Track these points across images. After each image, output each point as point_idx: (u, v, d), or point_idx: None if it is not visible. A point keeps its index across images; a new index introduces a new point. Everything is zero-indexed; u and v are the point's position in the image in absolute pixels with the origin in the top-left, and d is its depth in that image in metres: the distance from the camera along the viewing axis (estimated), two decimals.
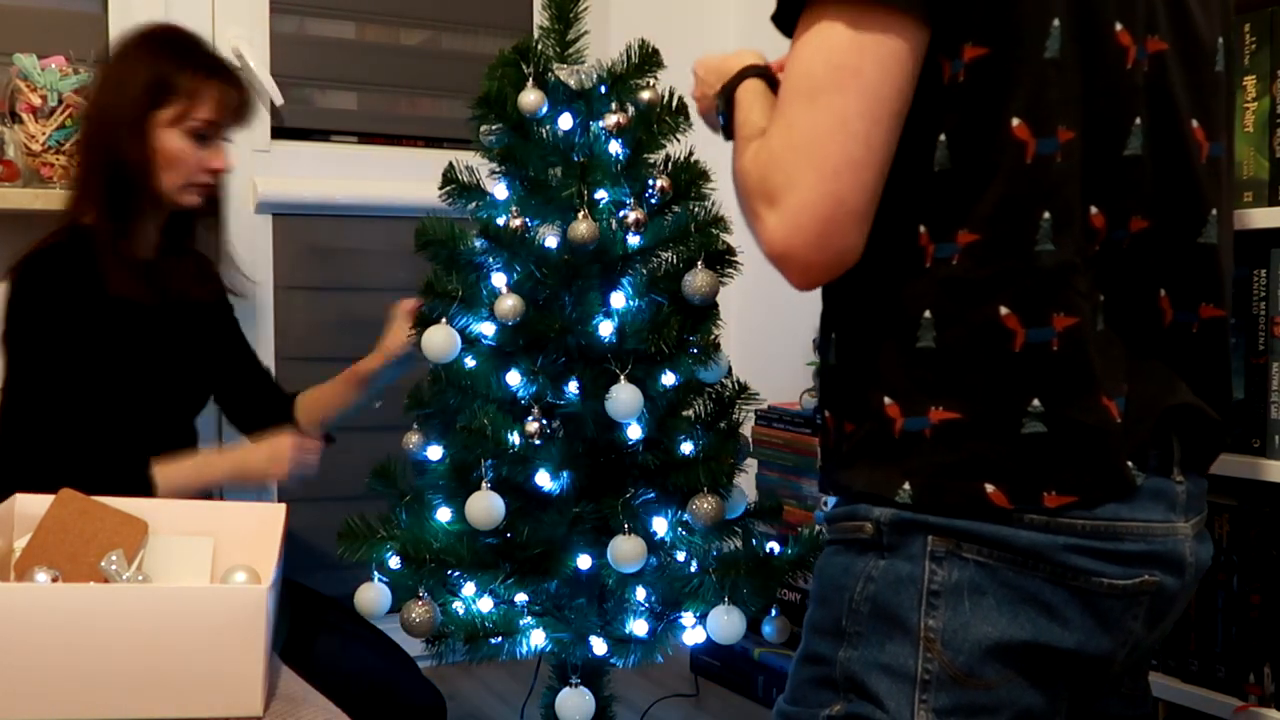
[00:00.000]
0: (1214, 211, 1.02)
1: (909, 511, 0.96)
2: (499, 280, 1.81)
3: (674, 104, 1.82)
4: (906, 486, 0.95)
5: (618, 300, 1.78)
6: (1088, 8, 0.95)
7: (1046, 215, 0.92)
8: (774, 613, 1.86)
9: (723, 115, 1.13)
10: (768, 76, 1.11)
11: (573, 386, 1.77)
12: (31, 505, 1.34)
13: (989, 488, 0.93)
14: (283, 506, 1.37)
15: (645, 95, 1.82)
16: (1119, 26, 0.96)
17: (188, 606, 1.13)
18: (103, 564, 1.23)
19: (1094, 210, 0.96)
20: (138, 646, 1.12)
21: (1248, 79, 1.52)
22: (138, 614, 1.12)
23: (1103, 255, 0.97)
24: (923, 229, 0.95)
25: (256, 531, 1.34)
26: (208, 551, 1.33)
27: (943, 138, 0.94)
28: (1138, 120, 0.97)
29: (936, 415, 0.94)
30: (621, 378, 1.70)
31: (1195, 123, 1.01)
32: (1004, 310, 0.93)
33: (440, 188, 1.88)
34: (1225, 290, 1.04)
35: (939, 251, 0.95)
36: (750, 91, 1.10)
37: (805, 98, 0.91)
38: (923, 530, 0.95)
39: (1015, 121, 0.92)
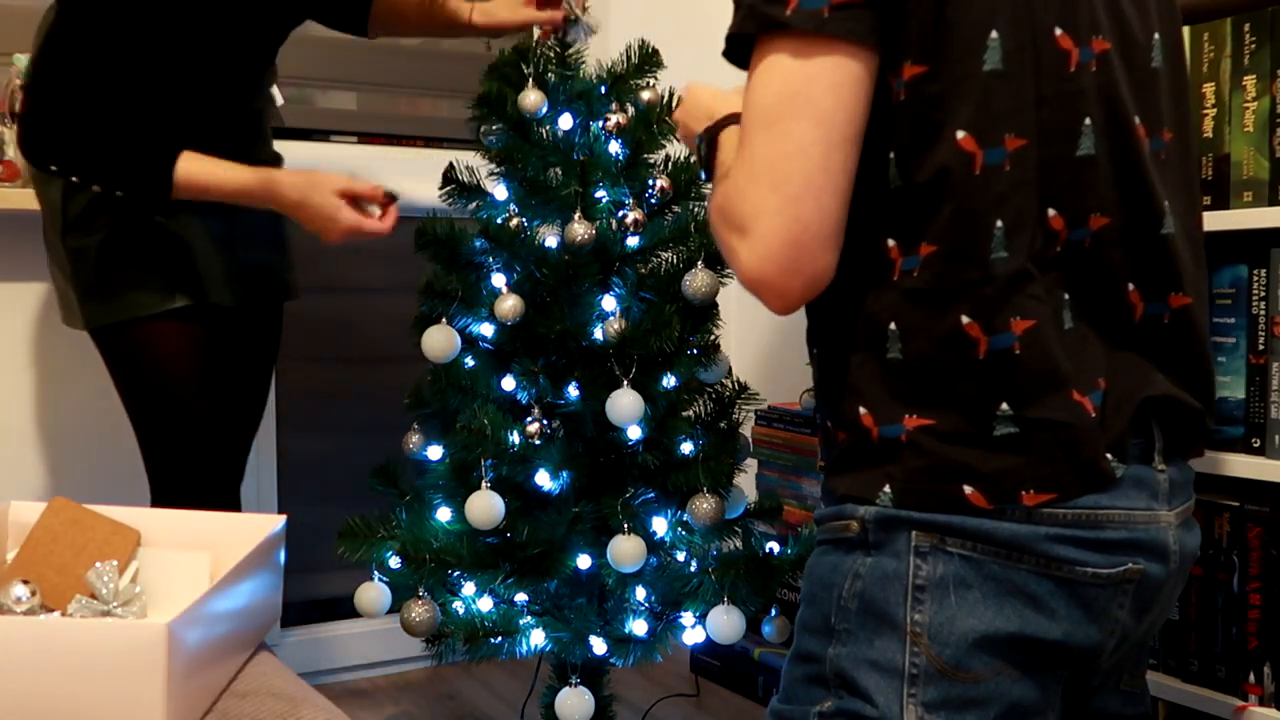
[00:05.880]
0: (1166, 204, 1.03)
1: (895, 508, 0.97)
2: (499, 280, 1.81)
3: (674, 104, 1.82)
4: (887, 489, 0.97)
5: (618, 301, 1.78)
6: (1027, 16, 0.96)
7: (999, 224, 0.94)
8: (774, 613, 1.86)
9: (704, 156, 1.16)
10: None
11: (572, 387, 1.77)
12: (24, 513, 1.33)
13: (967, 489, 0.95)
14: (282, 518, 1.36)
15: (645, 95, 1.82)
16: (1059, 31, 0.98)
17: (79, 642, 1.04)
18: (89, 575, 1.22)
19: (1051, 213, 0.97)
20: (24, 686, 1.04)
21: (1248, 79, 1.52)
22: (25, 650, 1.04)
23: (1065, 255, 0.98)
24: (890, 243, 0.97)
25: (254, 546, 1.30)
26: (204, 566, 1.31)
27: (892, 155, 0.96)
28: (1087, 121, 0.98)
29: (911, 422, 0.96)
30: (625, 382, 1.70)
31: (1137, 119, 1.03)
32: (965, 319, 0.95)
33: (440, 188, 1.88)
34: (1187, 278, 1.06)
35: (905, 264, 0.97)
36: (733, 136, 1.12)
37: (763, 128, 0.94)
38: (907, 526, 0.97)
39: (960, 134, 0.94)
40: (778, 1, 0.93)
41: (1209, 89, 1.57)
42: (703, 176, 1.16)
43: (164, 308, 1.63)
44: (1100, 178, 0.99)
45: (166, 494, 1.70)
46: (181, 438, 1.69)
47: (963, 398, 0.95)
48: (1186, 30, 1.61)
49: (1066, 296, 0.99)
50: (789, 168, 0.92)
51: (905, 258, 0.97)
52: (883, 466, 0.98)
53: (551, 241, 1.78)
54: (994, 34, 0.94)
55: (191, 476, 1.70)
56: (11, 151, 2.07)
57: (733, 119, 1.13)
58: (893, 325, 0.97)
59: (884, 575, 0.98)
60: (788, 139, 0.93)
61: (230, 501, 1.76)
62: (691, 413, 1.83)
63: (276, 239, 1.85)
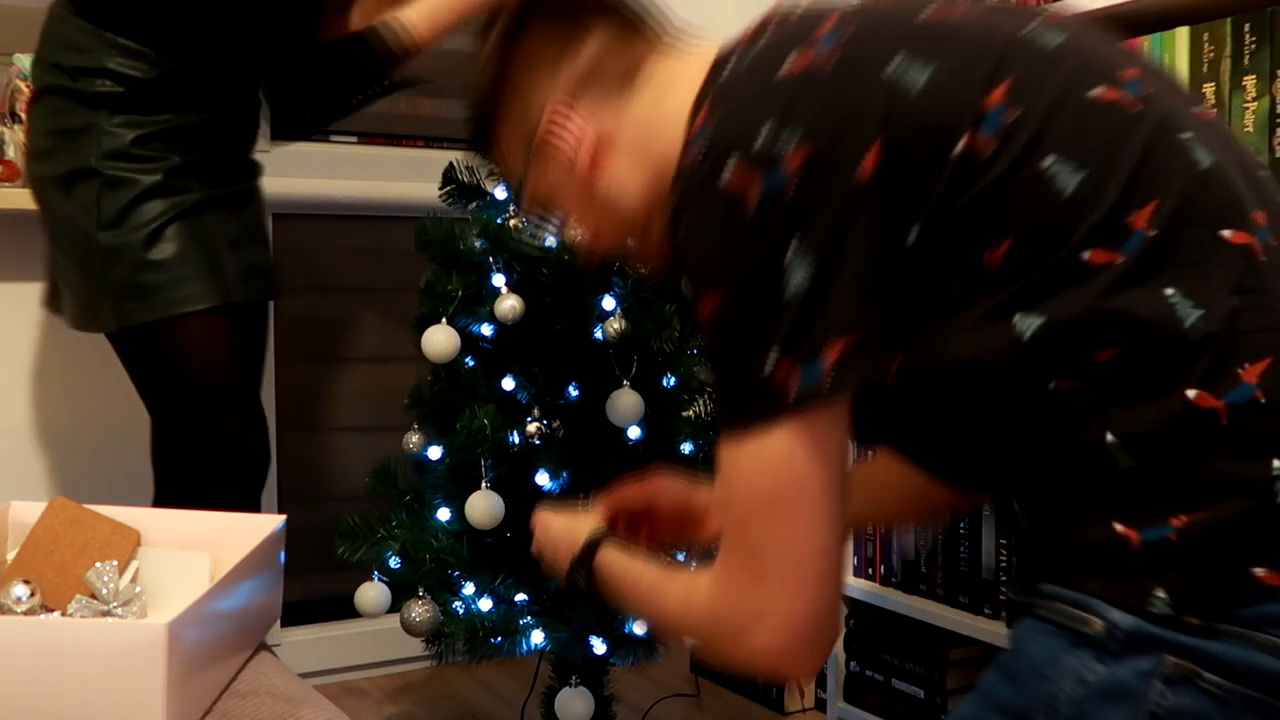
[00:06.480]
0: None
1: (1157, 625, 0.85)
2: (499, 280, 1.81)
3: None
4: (1161, 593, 0.85)
5: (618, 301, 1.78)
6: (1068, 112, 0.90)
7: (1171, 291, 0.86)
8: None
9: (586, 586, 1.15)
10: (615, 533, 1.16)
11: (572, 387, 1.77)
12: (24, 513, 1.33)
13: (1258, 571, 0.84)
14: (282, 518, 1.35)
15: None
16: (1098, 90, 0.91)
17: (79, 642, 1.03)
18: (89, 575, 1.22)
19: (1228, 234, 0.89)
20: (24, 686, 1.03)
21: (1248, 79, 1.52)
22: (25, 650, 1.03)
23: (1263, 263, 0.89)
24: (1063, 382, 0.89)
25: (254, 546, 1.30)
26: (204, 566, 1.31)
27: (1021, 319, 0.88)
28: (1183, 135, 0.91)
29: (1177, 521, 0.85)
30: (625, 383, 1.70)
31: (1196, 109, 0.98)
32: (1191, 394, 0.85)
33: (440, 188, 1.88)
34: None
35: (1091, 383, 0.88)
36: (617, 557, 1.12)
37: (760, 520, 0.90)
38: (1164, 648, 0.85)
39: (1086, 254, 0.87)
40: (776, 392, 0.87)
41: (1209, 89, 1.57)
42: (585, 603, 1.18)
43: (207, 304, 1.63)
44: (1229, 177, 0.92)
45: (183, 495, 1.68)
46: (215, 436, 1.68)
47: (1224, 474, 0.85)
48: (1186, 30, 1.62)
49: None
50: (796, 558, 0.89)
51: (1084, 377, 0.87)
52: (1153, 572, 0.86)
53: (551, 241, 1.78)
54: (1048, 160, 0.87)
55: (218, 476, 1.69)
56: (12, 151, 2.07)
57: (595, 542, 1.14)
58: (1110, 437, 0.86)
59: (1115, 691, 0.86)
60: (792, 530, 0.89)
61: (252, 505, 1.74)
62: (691, 413, 1.83)
63: (266, 238, 1.84)
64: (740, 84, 0.95)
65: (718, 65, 1.00)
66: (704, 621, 0.97)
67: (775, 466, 0.89)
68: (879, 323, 0.89)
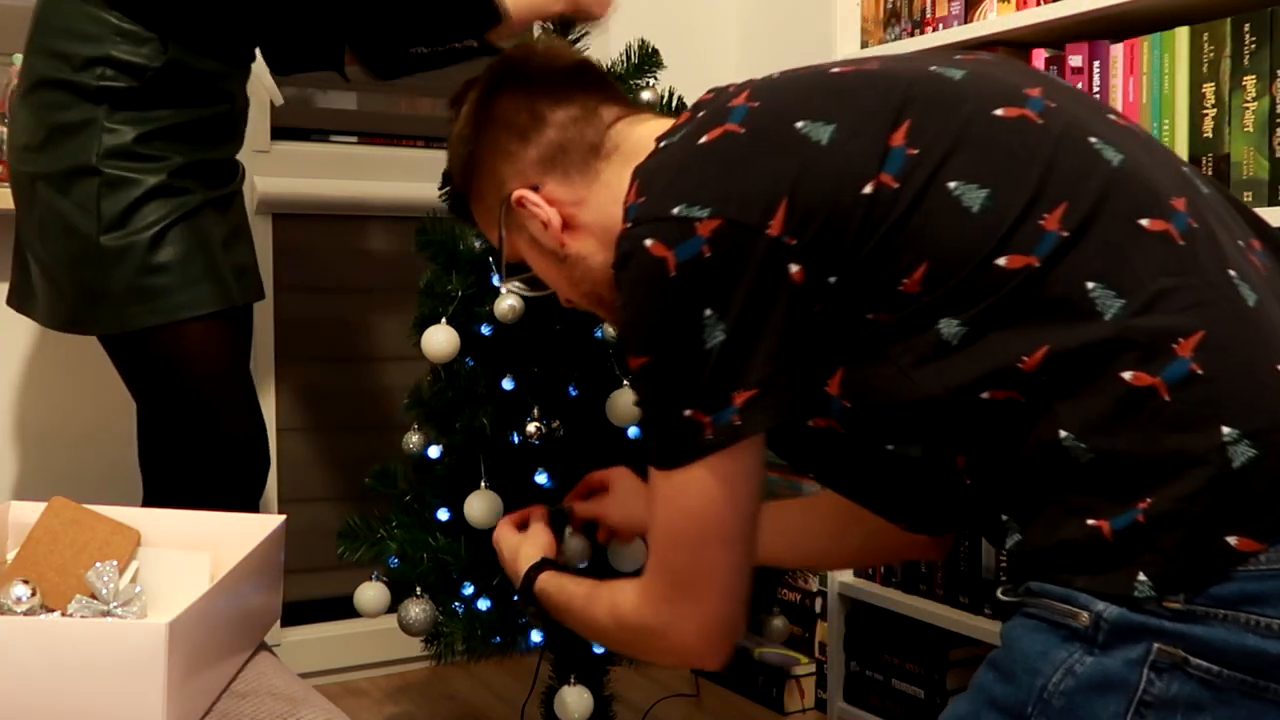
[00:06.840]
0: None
1: (1142, 614, 0.87)
2: (499, 280, 1.81)
3: (674, 104, 1.82)
4: (1142, 577, 0.87)
5: None
6: (970, 135, 0.94)
7: (1090, 285, 0.90)
8: (774, 612, 1.86)
9: (534, 611, 1.31)
10: (552, 565, 1.32)
11: (572, 388, 1.77)
12: (24, 513, 1.33)
13: (1232, 539, 0.85)
14: (282, 518, 1.35)
15: (645, 95, 1.82)
16: (1001, 111, 0.96)
17: (79, 642, 1.03)
18: (89, 575, 1.22)
19: (1145, 223, 0.92)
20: (24, 686, 1.03)
21: (1248, 79, 1.52)
22: (25, 650, 1.03)
23: (1188, 245, 0.92)
24: (992, 390, 0.92)
25: (254, 546, 1.29)
26: (204, 566, 1.31)
27: (946, 325, 0.93)
28: (1091, 140, 0.96)
29: (1143, 503, 0.87)
30: (625, 383, 1.70)
31: (1113, 117, 1.03)
32: (1127, 375, 0.88)
33: (440, 188, 1.88)
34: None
35: (1028, 389, 0.91)
36: (552, 583, 1.28)
37: (680, 549, 1.03)
38: (1151, 636, 0.87)
39: (1003, 260, 0.91)
40: (693, 429, 0.97)
41: (1209, 89, 1.57)
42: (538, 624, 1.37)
43: (211, 308, 1.61)
44: (1143, 171, 0.96)
45: (179, 496, 1.68)
46: (216, 439, 1.67)
47: (1177, 449, 0.87)
48: (1186, 30, 1.62)
49: (1232, 274, 0.91)
50: (707, 580, 1.02)
51: (1026, 385, 0.90)
52: (1131, 558, 0.88)
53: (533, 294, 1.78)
54: (951, 184, 0.92)
55: (218, 478, 1.69)
56: None
57: (534, 571, 1.30)
58: (1063, 434, 0.89)
59: (1104, 681, 0.88)
60: (704, 557, 1.02)
61: (251, 507, 1.74)
62: None
63: (251, 238, 1.83)
64: (666, 159, 1.04)
65: (659, 139, 1.08)
66: (630, 627, 1.11)
67: (691, 502, 1.00)
68: (794, 367, 0.97)
